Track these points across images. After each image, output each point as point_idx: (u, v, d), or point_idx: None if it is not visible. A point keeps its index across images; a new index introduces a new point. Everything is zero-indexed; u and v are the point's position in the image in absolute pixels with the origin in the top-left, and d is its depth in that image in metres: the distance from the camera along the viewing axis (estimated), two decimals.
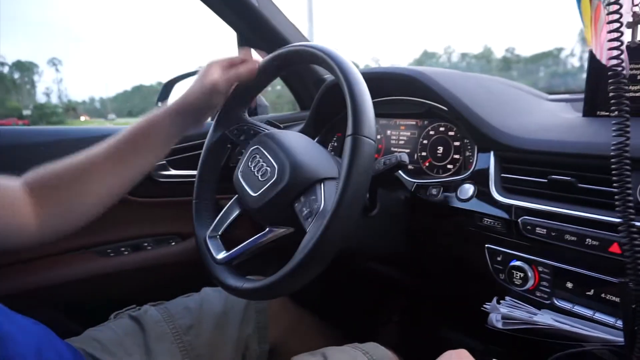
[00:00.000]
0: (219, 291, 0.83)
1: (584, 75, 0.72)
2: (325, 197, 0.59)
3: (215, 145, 0.78)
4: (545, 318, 0.59)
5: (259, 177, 0.65)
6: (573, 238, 0.56)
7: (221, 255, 0.67)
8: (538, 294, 0.62)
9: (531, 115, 0.78)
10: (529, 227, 0.61)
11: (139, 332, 0.72)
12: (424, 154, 0.86)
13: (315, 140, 1.00)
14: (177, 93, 1.28)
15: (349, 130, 0.55)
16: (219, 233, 0.72)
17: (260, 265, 0.81)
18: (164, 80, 1.30)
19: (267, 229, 0.64)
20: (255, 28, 1.05)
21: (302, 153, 0.65)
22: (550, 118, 0.77)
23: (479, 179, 0.71)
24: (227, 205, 0.73)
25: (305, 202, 0.60)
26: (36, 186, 0.61)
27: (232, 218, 0.72)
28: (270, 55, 0.73)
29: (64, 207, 0.62)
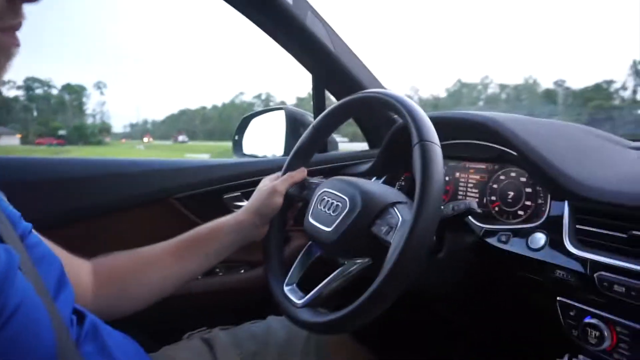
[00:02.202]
0: (283, 320, 0.86)
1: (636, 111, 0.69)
2: (402, 213, 0.61)
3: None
4: None
5: (331, 213, 0.68)
6: None
7: (301, 300, 0.68)
8: (616, 356, 0.58)
9: (611, 165, 0.75)
10: (605, 283, 0.58)
11: (209, 354, 0.77)
12: (493, 198, 0.85)
13: (383, 179, 1.02)
14: (254, 128, 1.38)
15: (414, 140, 0.58)
16: (295, 282, 0.74)
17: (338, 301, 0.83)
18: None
19: (345, 263, 0.66)
20: (330, 71, 1.11)
21: (369, 184, 0.69)
22: (633, 169, 0.74)
23: (552, 228, 0.69)
24: (300, 257, 0.77)
25: (383, 222, 0.62)
26: (102, 271, 0.69)
27: (306, 267, 0.76)
28: (345, 99, 0.78)
29: (121, 291, 0.70)
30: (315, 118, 1.22)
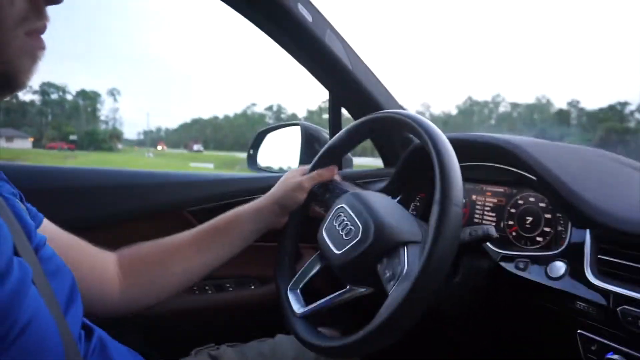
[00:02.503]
0: (291, 339, 0.84)
1: None
2: (409, 261, 0.59)
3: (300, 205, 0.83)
4: None
5: (343, 235, 0.67)
6: None
7: (300, 310, 0.70)
8: None
9: (635, 193, 0.72)
10: (630, 318, 0.56)
11: None
12: (511, 222, 0.84)
13: (398, 199, 1.01)
14: (269, 142, 1.38)
15: (437, 196, 0.56)
16: (300, 287, 0.75)
17: (334, 316, 0.82)
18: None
19: (348, 287, 0.66)
20: (347, 89, 1.11)
21: (386, 214, 0.66)
22: None
23: (572, 257, 0.67)
24: (309, 261, 0.77)
25: (389, 264, 0.61)
26: (126, 261, 0.70)
27: (312, 273, 0.76)
28: (363, 119, 0.78)
29: (147, 283, 0.71)
30: (330, 135, 1.22)
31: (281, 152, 1.36)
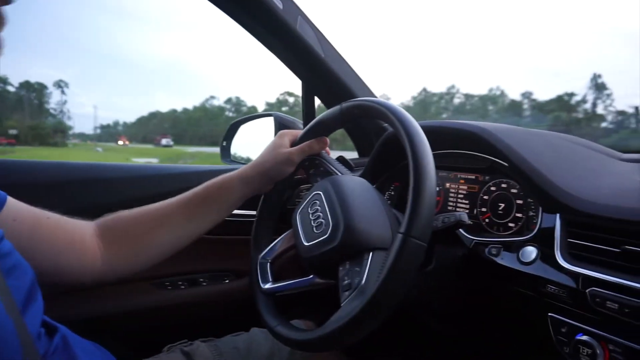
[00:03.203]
0: (266, 333, 0.83)
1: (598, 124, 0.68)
2: (369, 272, 0.57)
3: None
4: None
5: (314, 227, 0.66)
6: None
7: (267, 285, 0.71)
8: None
9: (603, 178, 0.73)
10: (598, 299, 0.56)
11: None
12: (483, 209, 0.84)
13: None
14: (243, 134, 1.36)
15: (403, 227, 0.53)
16: (270, 259, 0.76)
17: (308, 305, 0.82)
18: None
19: (311, 276, 0.66)
20: (320, 78, 1.10)
21: (358, 215, 0.63)
22: (626, 181, 0.73)
23: (543, 241, 0.67)
24: (282, 236, 0.77)
25: (349, 270, 0.59)
26: (107, 230, 0.68)
27: (285, 247, 0.76)
28: (336, 107, 0.76)
29: (130, 252, 0.68)
30: (305, 124, 1.20)
31: (255, 144, 1.34)
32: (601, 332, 0.57)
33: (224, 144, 1.36)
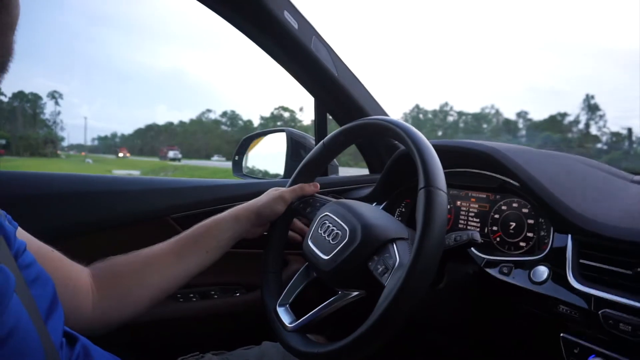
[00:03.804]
0: (277, 347, 0.83)
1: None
2: (400, 254, 0.60)
3: (281, 218, 0.83)
4: None
5: (330, 240, 0.67)
6: None
7: (292, 323, 0.68)
8: None
9: (614, 199, 0.74)
10: (611, 321, 0.57)
11: None
12: (494, 228, 0.85)
13: (383, 205, 1.01)
14: (254, 149, 1.38)
15: (421, 183, 0.57)
16: (289, 302, 0.73)
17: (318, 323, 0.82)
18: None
19: (340, 292, 0.65)
20: (332, 96, 1.12)
21: (371, 217, 0.67)
22: (637, 203, 0.73)
23: (555, 261, 0.68)
24: (296, 276, 0.76)
25: (380, 260, 0.61)
26: (99, 274, 0.68)
27: (301, 288, 0.74)
28: (349, 125, 0.78)
29: (121, 295, 0.69)
30: (316, 141, 1.22)
31: (267, 159, 1.35)
32: (614, 354, 0.57)
33: (236, 158, 1.38)
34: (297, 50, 1.02)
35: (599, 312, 0.58)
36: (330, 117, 1.20)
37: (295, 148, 1.24)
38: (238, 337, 0.89)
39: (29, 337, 0.42)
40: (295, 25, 0.98)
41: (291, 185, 0.84)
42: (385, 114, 1.18)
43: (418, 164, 0.60)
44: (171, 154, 56.27)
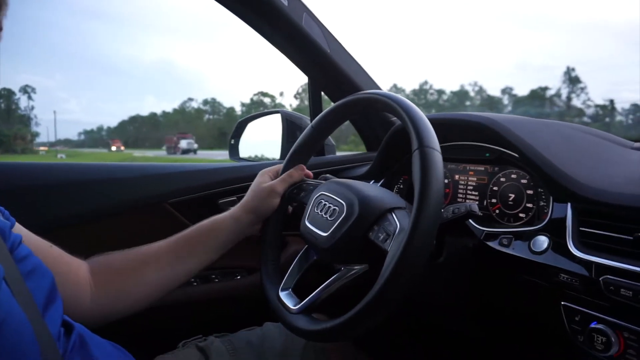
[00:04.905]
0: (280, 327, 0.84)
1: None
2: (400, 220, 0.59)
3: (277, 210, 0.81)
4: None
5: (328, 217, 0.66)
6: None
7: (297, 305, 0.67)
8: None
9: (615, 166, 0.73)
10: (611, 287, 0.56)
11: None
12: (493, 200, 0.84)
13: (381, 182, 1.00)
14: (250, 131, 1.36)
15: (414, 145, 0.57)
16: (291, 287, 0.73)
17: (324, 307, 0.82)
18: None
19: (342, 268, 0.64)
20: (326, 73, 1.10)
21: (367, 190, 0.67)
22: (638, 169, 0.72)
23: (555, 230, 0.67)
24: (296, 260, 0.75)
25: (380, 229, 0.60)
26: (98, 267, 0.68)
27: (302, 271, 0.73)
28: (343, 100, 0.77)
29: (119, 291, 0.68)
30: (312, 120, 1.21)
31: (263, 141, 1.34)
32: (615, 320, 0.57)
33: (232, 142, 1.37)
34: (288, 29, 1.00)
35: (600, 279, 0.58)
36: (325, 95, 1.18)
37: (290, 129, 1.23)
38: (240, 319, 0.89)
39: (21, 328, 0.42)
40: (286, 3, 0.95)
41: (282, 172, 0.83)
42: (379, 89, 1.17)
43: (410, 128, 0.59)
44: (184, 143, 44.14)
